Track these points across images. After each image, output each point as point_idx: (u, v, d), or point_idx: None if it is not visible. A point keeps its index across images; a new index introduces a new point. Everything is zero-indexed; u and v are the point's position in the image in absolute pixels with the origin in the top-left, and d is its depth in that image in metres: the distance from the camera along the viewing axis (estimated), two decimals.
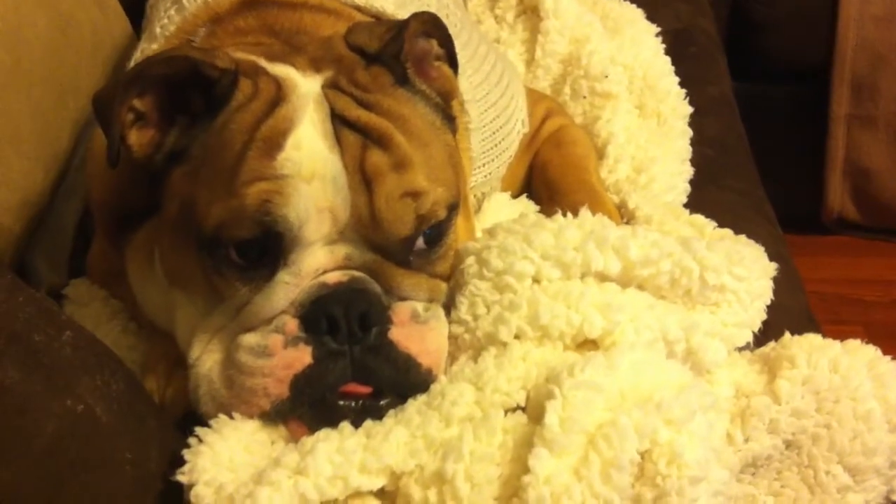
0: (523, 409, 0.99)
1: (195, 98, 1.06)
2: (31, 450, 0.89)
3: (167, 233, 1.10)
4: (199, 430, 0.98)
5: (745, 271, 1.10)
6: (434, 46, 1.17)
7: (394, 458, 0.94)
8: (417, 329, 1.04)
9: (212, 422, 1.00)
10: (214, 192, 1.02)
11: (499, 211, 1.38)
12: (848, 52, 2.41)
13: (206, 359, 1.04)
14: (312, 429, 0.99)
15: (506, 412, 0.98)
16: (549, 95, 1.66)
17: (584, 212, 1.12)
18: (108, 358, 1.03)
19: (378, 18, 1.33)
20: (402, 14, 1.33)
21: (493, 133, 1.43)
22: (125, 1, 1.72)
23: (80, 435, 0.92)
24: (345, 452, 0.94)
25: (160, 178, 1.09)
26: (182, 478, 0.94)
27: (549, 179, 1.45)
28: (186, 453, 0.96)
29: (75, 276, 1.37)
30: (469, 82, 1.36)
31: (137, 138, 1.08)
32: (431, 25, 1.16)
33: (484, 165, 1.41)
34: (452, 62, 1.19)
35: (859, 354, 1.10)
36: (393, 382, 1.02)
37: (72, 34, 1.51)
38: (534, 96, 1.57)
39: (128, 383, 1.02)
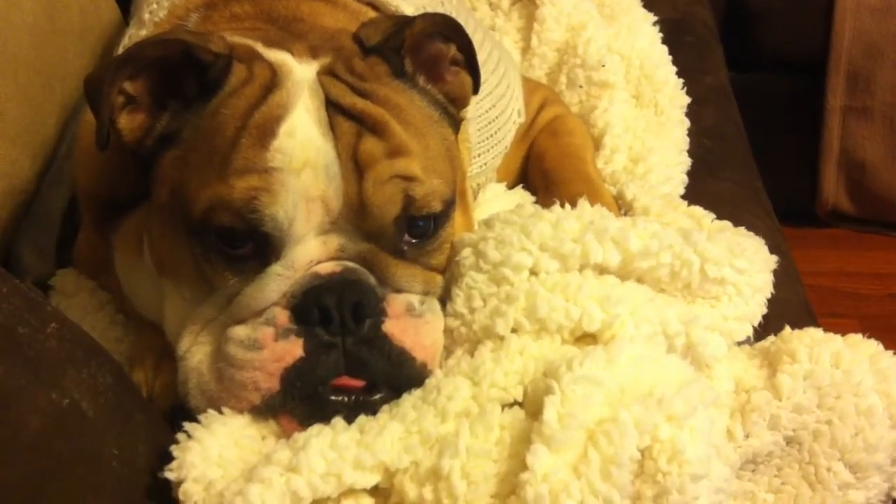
0: (521, 405, 0.97)
1: (188, 82, 1.04)
2: (15, 444, 0.86)
3: (157, 219, 1.07)
4: (187, 425, 0.96)
5: (746, 264, 1.09)
6: (451, 50, 1.14)
7: (388, 455, 0.92)
8: (413, 322, 1.02)
9: (201, 417, 0.97)
10: (205, 178, 0.99)
11: (494, 202, 1.36)
12: (844, 43, 2.40)
13: (196, 351, 1.02)
14: (304, 424, 0.97)
15: (503, 407, 0.96)
16: (545, 85, 1.63)
17: (583, 203, 1.10)
18: (94, 350, 1.00)
19: (373, 6, 1.31)
20: (398, 1, 1.30)
21: (489, 123, 1.41)
22: None
23: (65, 429, 0.90)
24: (338, 448, 0.92)
25: (150, 163, 1.07)
26: (170, 474, 0.92)
27: (545, 170, 1.43)
28: (175, 449, 0.94)
29: (62, 265, 1.35)
30: None
31: (128, 122, 1.05)
32: (448, 29, 1.13)
33: (479, 156, 1.39)
34: (473, 68, 1.16)
35: (861, 349, 1.08)
36: (387, 376, 1.00)
37: (59, 18, 1.48)
38: (530, 85, 1.55)
39: (115, 376, 0.99)
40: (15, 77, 1.34)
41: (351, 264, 1.00)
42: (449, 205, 1.06)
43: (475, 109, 1.35)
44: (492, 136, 1.40)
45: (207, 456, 0.93)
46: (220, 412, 0.98)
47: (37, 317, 0.94)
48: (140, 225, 1.13)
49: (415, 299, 1.03)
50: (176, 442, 0.94)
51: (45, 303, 1.01)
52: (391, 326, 1.00)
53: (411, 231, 1.04)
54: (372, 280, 1.01)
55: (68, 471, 0.89)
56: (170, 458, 0.93)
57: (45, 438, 0.88)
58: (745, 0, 2.50)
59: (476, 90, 1.17)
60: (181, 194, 1.02)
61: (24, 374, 0.89)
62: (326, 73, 1.05)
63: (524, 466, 0.88)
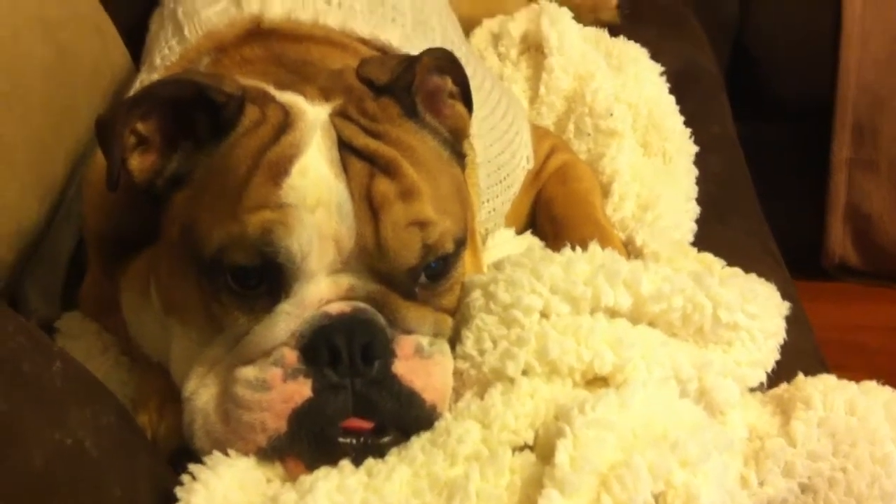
0: (531, 448, 0.96)
1: (200, 123, 1.04)
2: (18, 483, 0.85)
3: (165, 260, 1.07)
4: (192, 466, 0.94)
5: (758, 309, 1.08)
6: (448, 83, 1.15)
7: (396, 498, 0.90)
8: (422, 363, 1.00)
9: (206, 458, 0.96)
10: (217, 217, 0.99)
11: (503, 246, 1.36)
12: (849, 96, 2.40)
13: (203, 392, 1.01)
14: (311, 467, 0.95)
15: (513, 451, 0.95)
16: (553, 132, 1.64)
17: (594, 246, 1.10)
18: (99, 390, 0.99)
19: (384, 52, 1.32)
20: (408, 47, 1.32)
21: (499, 168, 1.41)
22: (125, 32, 1.71)
23: (69, 469, 0.88)
24: (345, 491, 0.90)
25: (160, 204, 1.06)
26: None
27: (554, 215, 1.43)
28: (179, 491, 0.92)
29: (67, 307, 1.34)
30: (474, 116, 1.34)
31: (139, 162, 1.05)
32: (446, 62, 1.14)
33: (489, 201, 1.39)
34: (467, 100, 1.17)
35: (876, 396, 1.07)
36: (396, 418, 0.98)
37: (70, 63, 1.49)
38: (538, 132, 1.56)
39: (119, 416, 0.98)
40: (26, 120, 1.35)
41: (361, 304, 0.99)
42: (460, 244, 1.06)
43: (484, 154, 1.36)
44: (501, 181, 1.40)
45: (212, 498, 0.91)
46: (226, 454, 0.96)
47: (42, 355, 0.94)
48: (148, 266, 1.12)
49: (424, 340, 1.02)
50: (180, 483, 0.93)
51: (50, 342, 1.00)
52: (401, 367, 0.99)
53: (424, 272, 1.03)
54: (382, 321, 1.00)
55: None
56: (174, 499, 0.91)
57: (48, 478, 0.86)
58: (749, 51, 2.52)
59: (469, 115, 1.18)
60: (192, 234, 1.01)
61: (28, 412, 0.88)
62: (339, 114, 1.05)
63: None
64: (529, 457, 0.94)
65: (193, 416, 1.00)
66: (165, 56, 1.32)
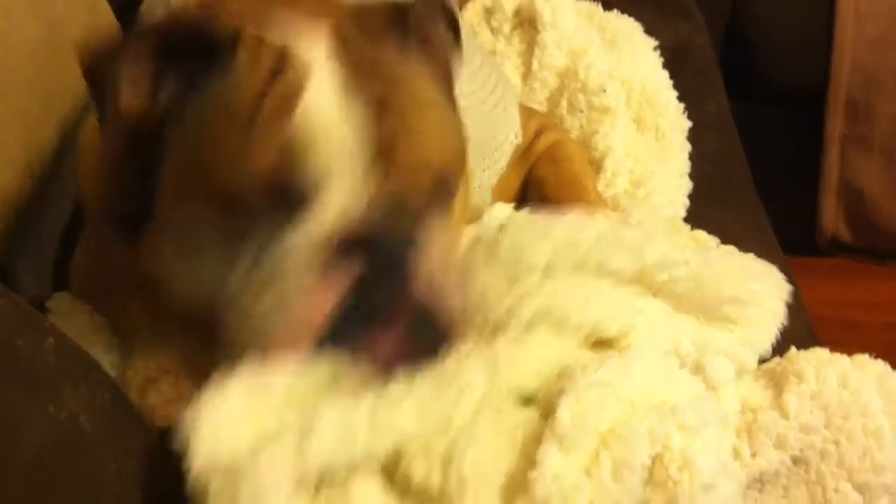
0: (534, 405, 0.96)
1: (195, 63, 1.02)
2: (13, 463, 0.84)
3: (171, 211, 1.04)
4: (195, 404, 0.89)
5: (759, 287, 1.08)
6: (440, 29, 1.15)
7: (402, 428, 0.89)
8: (440, 288, 0.99)
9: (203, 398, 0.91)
10: (224, 154, 0.97)
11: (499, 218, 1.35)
12: (843, 74, 2.41)
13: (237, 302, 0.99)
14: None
15: (517, 405, 0.95)
16: (540, 112, 1.63)
17: (599, 215, 1.10)
18: (92, 367, 0.99)
19: None
20: None
21: (486, 143, 1.41)
22: (117, 10, 1.70)
23: (64, 446, 0.88)
24: (349, 423, 0.88)
25: (159, 151, 1.03)
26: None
27: (546, 196, 1.43)
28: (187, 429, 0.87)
29: (58, 286, 1.33)
30: (464, 91, 1.34)
31: (130, 98, 1.02)
32: (438, 7, 1.14)
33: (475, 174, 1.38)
34: (457, 46, 1.17)
35: (868, 369, 1.07)
36: (415, 339, 0.97)
37: (60, 39, 1.48)
38: (525, 111, 1.55)
39: (113, 393, 0.98)
40: (14, 96, 1.34)
41: (377, 230, 0.98)
42: (459, 181, 1.07)
43: (473, 129, 1.35)
44: (489, 155, 1.40)
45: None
46: (263, 360, 0.94)
47: (35, 331, 0.93)
48: (156, 232, 1.09)
49: (439, 269, 1.01)
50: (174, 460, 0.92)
51: (43, 318, 1.00)
52: (420, 289, 0.98)
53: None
54: (399, 246, 0.98)
55: (67, 488, 0.87)
56: (166, 473, 0.89)
57: (42, 456, 0.86)
58: (744, 33, 2.52)
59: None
60: (199, 174, 0.99)
61: (22, 389, 0.87)
62: (339, 51, 1.03)
63: (534, 465, 0.87)
64: (532, 413, 0.94)
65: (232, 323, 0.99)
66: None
